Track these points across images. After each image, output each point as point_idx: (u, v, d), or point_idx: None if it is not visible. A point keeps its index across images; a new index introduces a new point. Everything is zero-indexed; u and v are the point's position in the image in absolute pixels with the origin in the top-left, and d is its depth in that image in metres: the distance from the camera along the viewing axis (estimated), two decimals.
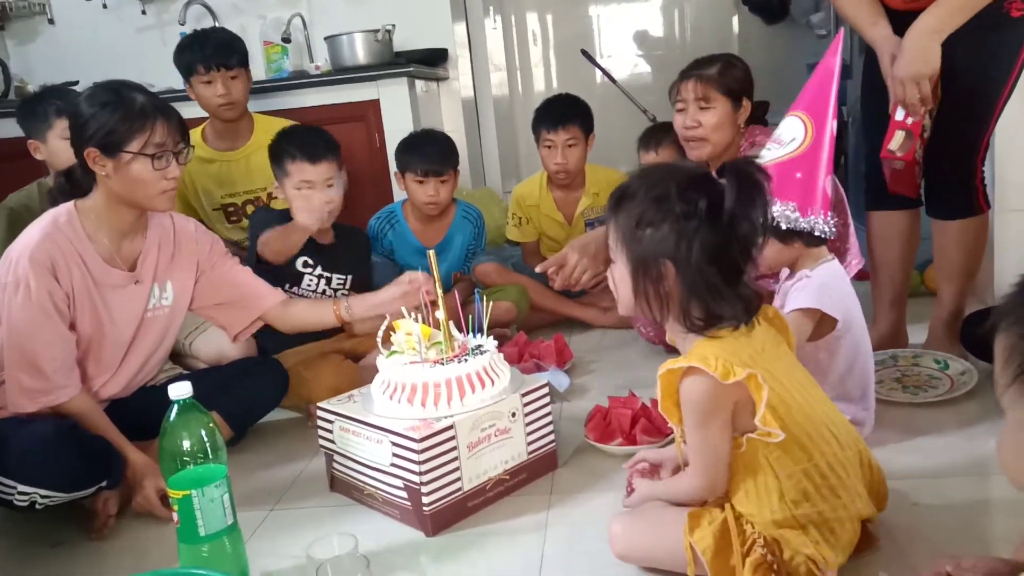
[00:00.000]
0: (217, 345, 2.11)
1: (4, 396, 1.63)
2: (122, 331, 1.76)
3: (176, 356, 2.16)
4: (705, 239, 1.13)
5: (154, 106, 1.65)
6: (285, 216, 2.22)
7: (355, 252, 2.41)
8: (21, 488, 1.47)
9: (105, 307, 1.71)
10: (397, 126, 2.81)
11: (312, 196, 2.14)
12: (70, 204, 1.69)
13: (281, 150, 2.21)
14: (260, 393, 1.96)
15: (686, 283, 1.15)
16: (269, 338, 2.13)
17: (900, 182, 1.98)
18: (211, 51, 2.54)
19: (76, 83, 2.56)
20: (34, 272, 1.58)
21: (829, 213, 1.53)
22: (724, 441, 1.17)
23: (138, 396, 1.83)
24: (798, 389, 1.19)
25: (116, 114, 1.61)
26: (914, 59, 1.81)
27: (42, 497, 1.48)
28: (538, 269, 2.13)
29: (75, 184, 1.70)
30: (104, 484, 1.56)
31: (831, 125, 1.55)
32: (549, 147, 2.67)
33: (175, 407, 1.28)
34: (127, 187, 1.65)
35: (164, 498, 1.50)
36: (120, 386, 1.80)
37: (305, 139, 2.22)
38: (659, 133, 2.28)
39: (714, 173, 1.18)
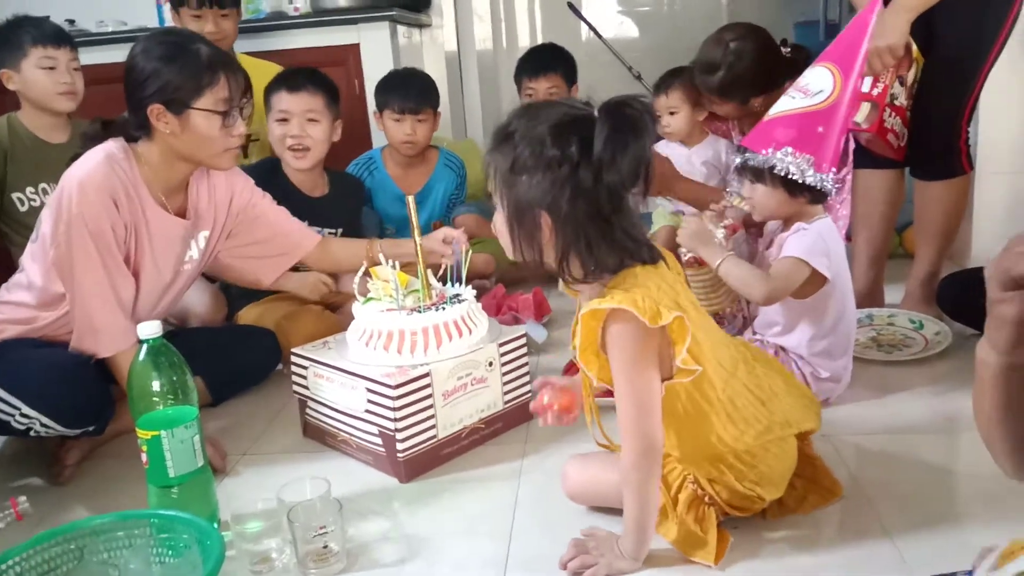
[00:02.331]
0: (184, 302, 2.02)
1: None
2: (162, 277, 1.68)
3: None
4: (576, 187, 1.05)
5: (219, 59, 1.55)
6: (264, 167, 2.17)
7: (348, 202, 2.33)
8: (25, 411, 1.46)
9: (152, 253, 1.63)
10: (378, 72, 2.73)
11: (306, 278, 2.02)
12: (122, 141, 1.59)
13: (269, 88, 2.17)
14: (248, 364, 1.92)
15: (561, 234, 1.08)
16: (239, 292, 2.11)
17: (878, 148, 1.97)
18: None
19: (47, 17, 2.47)
20: (100, 201, 1.50)
21: (834, 171, 1.53)
22: (655, 385, 1.10)
23: None
24: (699, 321, 1.17)
25: (183, 69, 1.51)
26: (880, 32, 1.79)
27: (41, 425, 1.47)
28: None
29: (111, 133, 1.60)
30: (91, 428, 1.54)
31: (854, 82, 1.53)
32: (530, 95, 2.63)
33: (144, 347, 1.25)
34: (192, 145, 1.57)
35: None
36: None
37: (292, 72, 2.19)
38: (671, 77, 2.24)
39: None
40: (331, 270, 2.04)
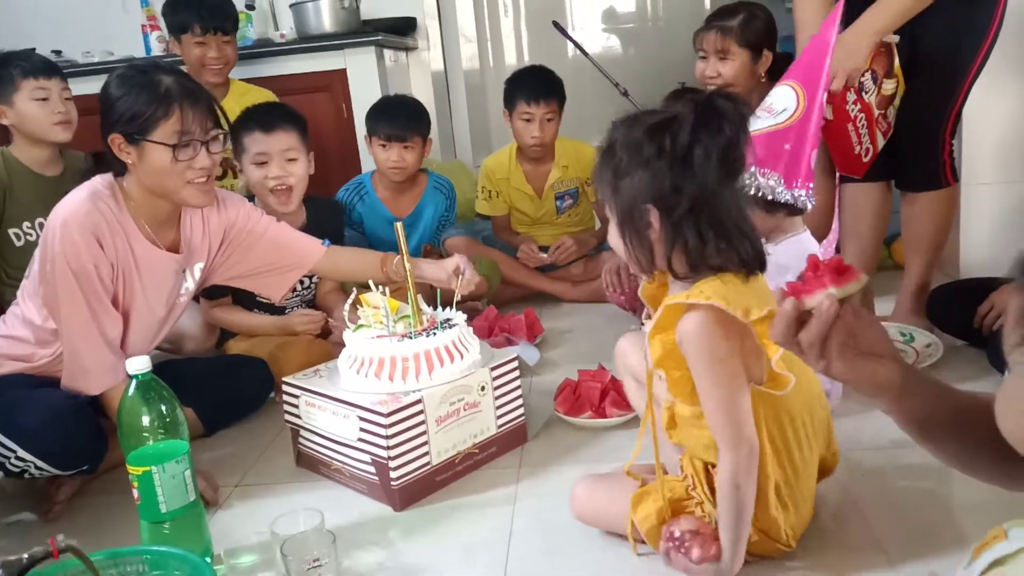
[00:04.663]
0: (178, 326, 2.00)
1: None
2: (155, 313, 1.67)
3: None
4: (676, 178, 1.05)
5: (182, 89, 1.51)
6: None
7: (327, 228, 2.27)
8: (20, 453, 1.45)
9: (143, 290, 1.62)
10: (365, 97, 2.76)
11: (289, 324, 2.11)
12: (109, 176, 1.58)
13: (238, 126, 2.11)
14: (240, 394, 1.90)
15: (668, 228, 1.08)
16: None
17: (842, 156, 1.98)
18: (208, 13, 2.54)
19: (33, 49, 2.47)
20: (82, 239, 1.49)
21: (810, 186, 1.53)
22: (743, 384, 1.06)
23: None
24: None
25: (140, 98, 1.49)
26: (848, 54, 1.80)
27: (36, 468, 1.46)
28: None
29: (101, 168, 1.60)
30: (85, 468, 1.53)
31: (821, 97, 1.54)
32: (528, 120, 2.62)
33: (133, 382, 1.24)
34: (151, 178, 1.54)
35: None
36: None
37: (261, 110, 2.16)
38: (679, 98, 2.26)
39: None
40: (341, 279, 2.07)
